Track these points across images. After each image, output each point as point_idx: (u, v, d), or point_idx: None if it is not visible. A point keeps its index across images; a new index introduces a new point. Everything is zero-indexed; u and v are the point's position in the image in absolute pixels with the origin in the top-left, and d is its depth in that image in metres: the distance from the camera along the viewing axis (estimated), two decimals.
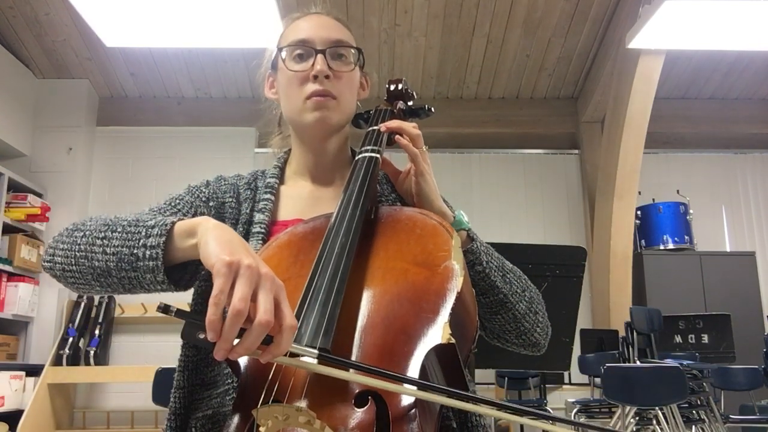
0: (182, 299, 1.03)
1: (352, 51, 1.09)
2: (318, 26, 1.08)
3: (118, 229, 0.86)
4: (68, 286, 0.92)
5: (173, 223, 0.84)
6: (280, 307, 0.69)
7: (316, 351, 0.70)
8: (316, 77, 1.04)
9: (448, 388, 0.69)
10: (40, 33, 4.78)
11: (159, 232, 0.83)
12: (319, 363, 0.70)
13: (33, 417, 4.22)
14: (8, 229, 4.48)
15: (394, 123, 1.05)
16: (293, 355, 0.70)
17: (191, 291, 1.06)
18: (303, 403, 0.71)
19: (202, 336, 0.66)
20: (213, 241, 0.74)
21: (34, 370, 4.43)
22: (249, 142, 5.29)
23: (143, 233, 0.84)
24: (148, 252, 0.82)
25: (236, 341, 0.67)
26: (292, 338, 0.69)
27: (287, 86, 1.08)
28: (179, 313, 0.67)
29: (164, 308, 0.67)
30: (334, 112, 1.06)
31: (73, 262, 0.88)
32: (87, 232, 0.89)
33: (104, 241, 0.86)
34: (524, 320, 1.05)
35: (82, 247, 0.87)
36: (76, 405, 4.83)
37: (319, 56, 1.04)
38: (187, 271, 0.89)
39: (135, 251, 0.83)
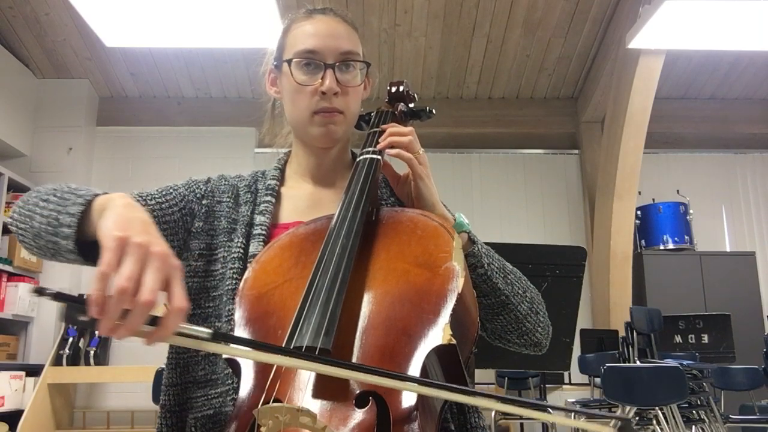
0: None
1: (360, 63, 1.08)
2: (327, 34, 1.06)
3: (58, 194, 0.87)
4: (21, 245, 0.93)
5: (96, 196, 0.84)
6: (171, 288, 0.67)
7: (209, 331, 0.68)
8: (324, 93, 1.03)
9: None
10: (40, 33, 4.78)
11: (82, 202, 0.83)
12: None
13: (33, 417, 4.22)
14: (8, 229, 4.47)
15: (386, 142, 1.03)
16: (184, 335, 0.67)
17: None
18: (304, 404, 0.72)
19: (84, 317, 0.63)
20: (112, 217, 0.73)
21: (34, 370, 4.43)
22: (249, 142, 5.29)
23: (71, 201, 0.84)
24: (67, 219, 0.83)
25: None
26: (178, 321, 0.66)
27: (293, 94, 1.07)
28: (58, 295, 0.64)
29: (38, 290, 0.63)
30: (340, 126, 1.07)
31: (22, 221, 0.90)
32: (39, 193, 0.90)
33: (45, 203, 0.87)
34: (526, 321, 1.05)
35: (30, 206, 0.89)
36: (76, 405, 4.83)
37: (329, 72, 1.03)
38: None
39: (60, 217, 0.84)
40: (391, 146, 1.02)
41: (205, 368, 0.98)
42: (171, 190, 1.06)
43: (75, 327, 4.56)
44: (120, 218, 0.72)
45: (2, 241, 4.47)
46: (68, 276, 4.77)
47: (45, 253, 0.90)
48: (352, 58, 1.07)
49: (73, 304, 0.64)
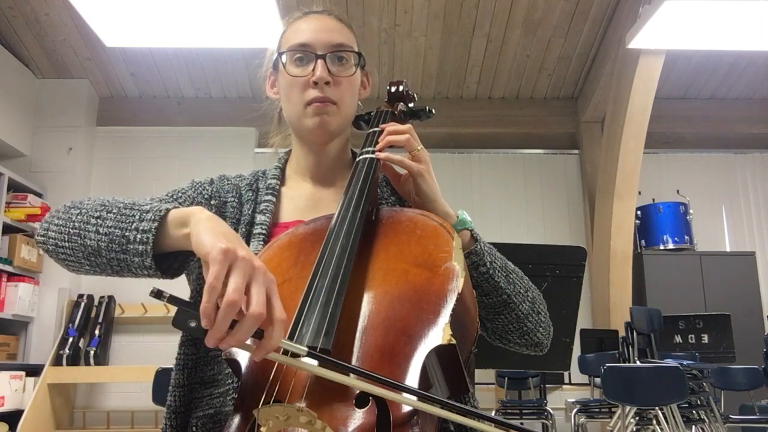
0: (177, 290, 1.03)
1: (353, 54, 1.09)
2: (319, 29, 1.07)
3: (114, 210, 0.87)
4: (59, 262, 0.92)
5: (167, 210, 0.84)
6: (271, 300, 0.69)
7: (305, 348, 0.70)
8: (316, 83, 1.04)
9: (448, 401, 0.69)
10: (40, 33, 4.78)
11: (152, 217, 0.83)
12: (319, 365, 0.69)
13: (33, 417, 4.22)
14: (8, 229, 4.48)
15: (384, 142, 1.02)
16: (285, 351, 0.70)
17: (188, 288, 1.06)
18: (304, 404, 0.71)
19: (193, 324, 0.66)
20: (207, 232, 0.74)
21: (34, 370, 4.43)
22: (249, 142, 5.29)
23: (137, 217, 0.84)
24: (139, 236, 0.82)
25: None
26: (282, 332, 0.69)
27: (288, 90, 1.08)
28: (172, 299, 0.66)
29: (157, 293, 0.66)
30: (334, 118, 1.06)
31: (66, 239, 0.88)
32: (83, 210, 0.89)
33: (99, 220, 0.86)
34: (527, 320, 1.04)
35: (76, 224, 0.87)
36: (76, 405, 4.83)
37: (320, 62, 1.04)
38: (177, 260, 0.89)
39: (127, 233, 0.83)
40: (390, 145, 1.02)
41: (214, 368, 0.98)
42: (179, 194, 1.06)
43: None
44: (216, 232, 0.74)
45: (2, 241, 4.47)
46: (67, 276, 4.77)
47: (103, 270, 0.89)
48: (345, 50, 1.07)
49: (185, 310, 0.67)
